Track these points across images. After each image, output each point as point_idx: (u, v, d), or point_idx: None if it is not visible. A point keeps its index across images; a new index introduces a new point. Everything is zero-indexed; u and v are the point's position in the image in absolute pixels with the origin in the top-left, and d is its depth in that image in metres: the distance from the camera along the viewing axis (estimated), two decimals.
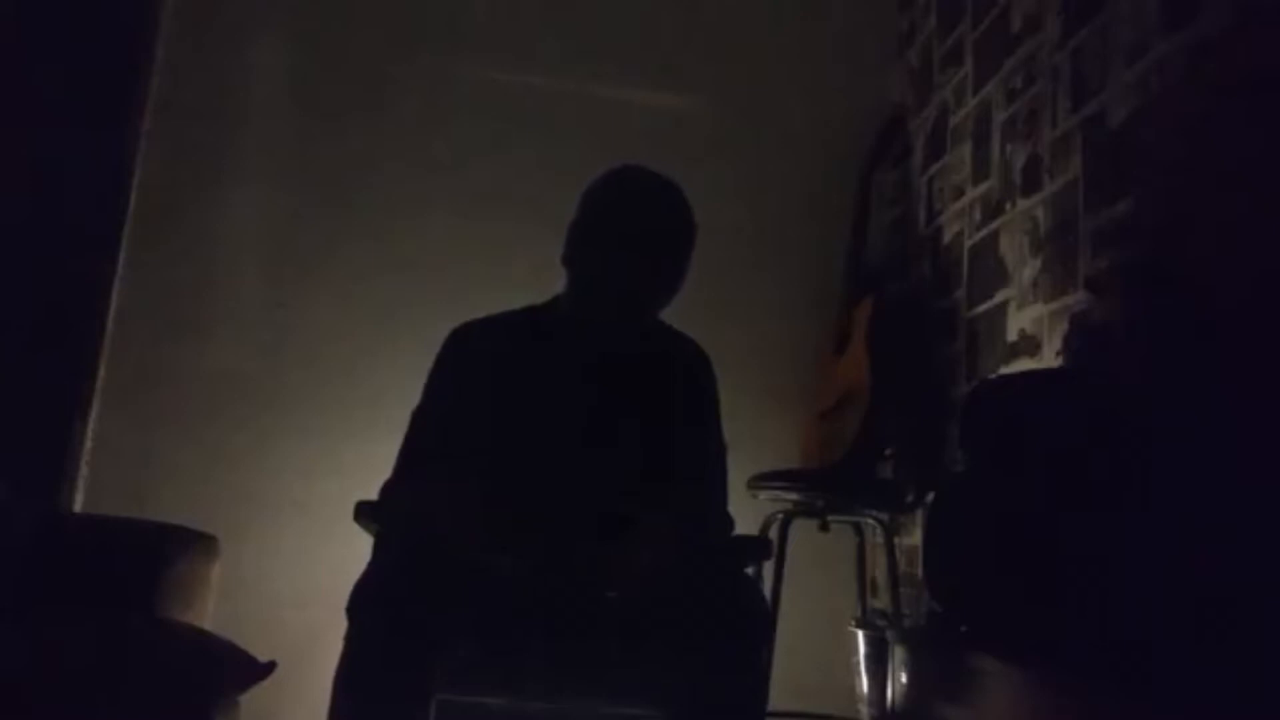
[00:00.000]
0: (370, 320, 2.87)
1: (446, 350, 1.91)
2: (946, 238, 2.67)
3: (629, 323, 1.84)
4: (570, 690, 1.74)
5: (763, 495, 2.56)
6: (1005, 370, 2.25)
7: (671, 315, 2.96)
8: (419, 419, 1.87)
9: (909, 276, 2.92)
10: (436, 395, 1.88)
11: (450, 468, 1.73)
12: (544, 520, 1.66)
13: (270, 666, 2.00)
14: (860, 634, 2.58)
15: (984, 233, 2.43)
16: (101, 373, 2.73)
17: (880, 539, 2.67)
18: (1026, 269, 2.20)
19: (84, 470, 2.67)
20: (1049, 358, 2.07)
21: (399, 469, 1.84)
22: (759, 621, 1.65)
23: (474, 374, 1.85)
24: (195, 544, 2.25)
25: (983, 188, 2.47)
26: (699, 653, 1.52)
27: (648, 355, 1.90)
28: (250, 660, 2.00)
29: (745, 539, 1.94)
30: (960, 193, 2.60)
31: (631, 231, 1.77)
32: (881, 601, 2.74)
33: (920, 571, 2.14)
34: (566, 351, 1.85)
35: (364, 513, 1.84)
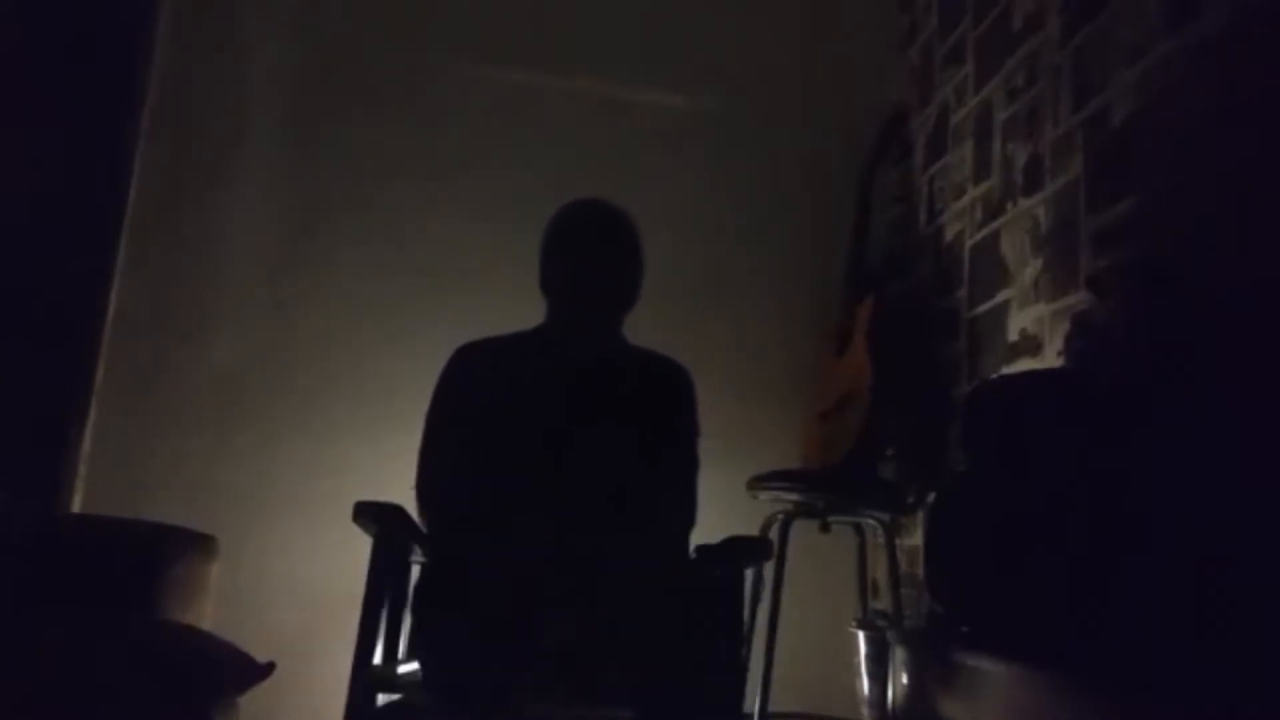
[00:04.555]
0: (370, 320, 2.87)
1: (448, 368, 2.02)
2: (948, 237, 2.66)
3: (602, 330, 2.01)
4: (553, 696, 1.75)
5: (763, 495, 2.55)
6: (1007, 370, 2.24)
7: (672, 313, 2.97)
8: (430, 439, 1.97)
9: (910, 276, 2.92)
10: (439, 412, 1.99)
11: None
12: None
13: (269, 667, 2.00)
14: (861, 634, 2.57)
15: (985, 232, 2.43)
16: (100, 373, 2.73)
17: (881, 539, 2.67)
18: (1028, 269, 2.20)
19: (83, 471, 2.67)
20: (1050, 358, 2.06)
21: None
22: (731, 625, 1.78)
23: (467, 391, 1.98)
24: (194, 545, 2.25)
25: (984, 187, 2.46)
26: (668, 657, 1.63)
27: (624, 369, 2.02)
28: (249, 661, 2.00)
29: (745, 539, 1.93)
30: (961, 192, 2.60)
31: (584, 244, 2.01)
32: (882, 602, 2.73)
33: (921, 572, 2.13)
34: (548, 367, 1.98)
35: (364, 513, 1.84)
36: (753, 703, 2.27)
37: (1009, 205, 2.32)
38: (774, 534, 2.46)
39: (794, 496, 2.53)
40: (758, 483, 2.54)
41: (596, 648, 1.65)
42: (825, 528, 2.58)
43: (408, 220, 2.92)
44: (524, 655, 1.67)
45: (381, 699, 1.77)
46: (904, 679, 1.89)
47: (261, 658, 2.01)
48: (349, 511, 1.85)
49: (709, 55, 3.15)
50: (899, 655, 1.97)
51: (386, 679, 1.80)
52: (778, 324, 3.00)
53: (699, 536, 1.91)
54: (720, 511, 1.95)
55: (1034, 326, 2.15)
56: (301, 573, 2.67)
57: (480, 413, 1.92)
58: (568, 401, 1.93)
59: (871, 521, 2.67)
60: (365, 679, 1.72)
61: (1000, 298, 2.32)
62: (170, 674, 1.88)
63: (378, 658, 1.77)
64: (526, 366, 1.99)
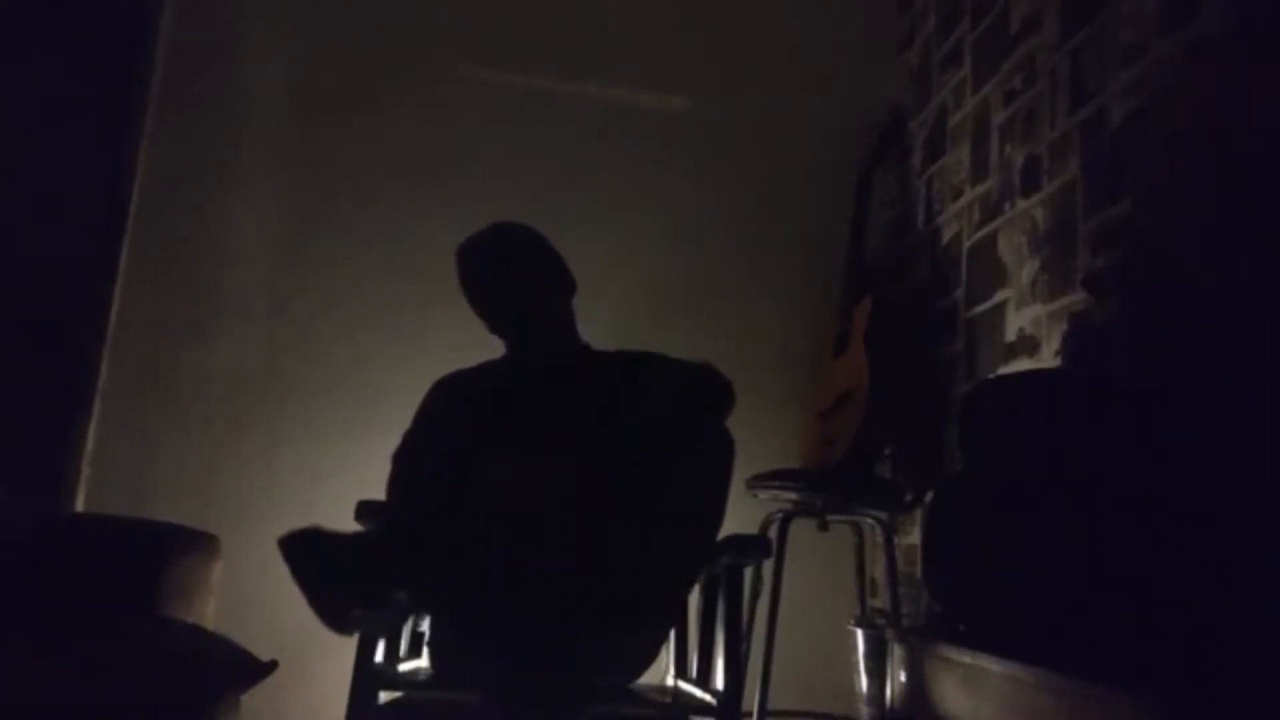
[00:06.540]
0: (372, 321, 2.87)
1: (426, 399, 2.05)
2: (945, 238, 2.67)
3: (562, 340, 2.03)
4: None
5: (762, 494, 2.56)
6: (1004, 370, 2.25)
7: (671, 313, 2.98)
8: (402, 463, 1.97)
9: (908, 277, 2.93)
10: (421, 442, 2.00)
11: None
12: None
13: (271, 665, 2.00)
14: (859, 633, 2.58)
15: (983, 233, 2.44)
16: (103, 372, 2.74)
17: (879, 538, 2.68)
18: (1025, 269, 2.21)
19: (86, 470, 2.67)
20: (1048, 358, 2.08)
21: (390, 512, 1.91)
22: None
23: (445, 420, 1.99)
24: (196, 543, 2.25)
25: (981, 188, 2.47)
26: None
27: (593, 371, 2.03)
28: (251, 659, 2.01)
29: (744, 537, 1.94)
30: (959, 193, 2.61)
31: (491, 264, 2.01)
32: (881, 600, 2.75)
33: (919, 570, 2.14)
34: (522, 387, 2.00)
35: (366, 513, 1.85)
36: (752, 700, 2.28)
37: (1007, 206, 2.33)
38: (773, 532, 2.48)
39: (793, 495, 2.54)
40: (757, 482, 2.55)
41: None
42: (824, 526, 2.59)
43: (409, 222, 2.92)
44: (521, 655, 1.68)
45: (383, 696, 1.78)
46: (902, 677, 1.90)
47: (264, 656, 2.02)
48: (351, 511, 1.86)
49: (708, 58, 3.16)
50: (897, 653, 1.98)
51: (388, 677, 1.81)
52: (777, 324, 3.01)
53: None
54: None
55: (1031, 327, 2.16)
56: None
57: (468, 443, 1.91)
58: (554, 419, 1.93)
59: (870, 520, 2.68)
60: (367, 677, 1.73)
61: (998, 298, 2.33)
62: (172, 672, 1.88)
63: (379, 656, 1.78)
64: (506, 390, 1.99)
